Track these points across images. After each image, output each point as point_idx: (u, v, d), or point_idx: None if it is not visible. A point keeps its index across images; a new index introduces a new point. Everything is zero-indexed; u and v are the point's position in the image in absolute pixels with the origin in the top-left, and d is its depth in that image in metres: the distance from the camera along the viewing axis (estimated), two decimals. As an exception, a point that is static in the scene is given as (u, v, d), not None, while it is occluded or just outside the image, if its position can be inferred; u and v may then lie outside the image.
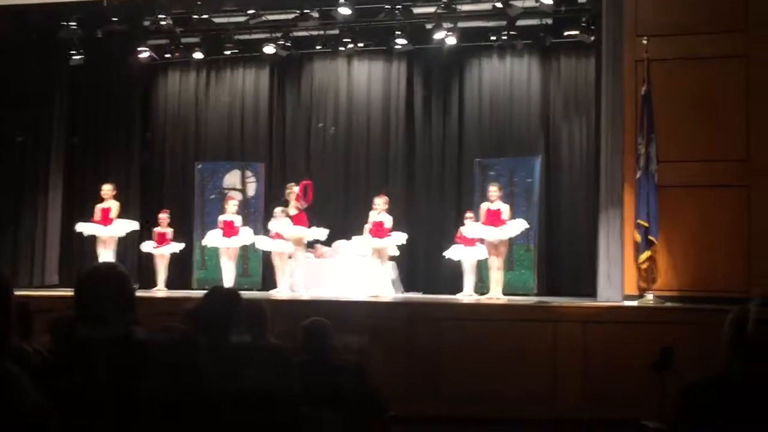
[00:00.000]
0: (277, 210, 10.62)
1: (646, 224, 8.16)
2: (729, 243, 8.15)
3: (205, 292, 3.82)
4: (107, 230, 10.70)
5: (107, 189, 10.86)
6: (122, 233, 10.94)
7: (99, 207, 10.78)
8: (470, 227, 9.92)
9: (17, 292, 2.32)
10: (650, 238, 8.15)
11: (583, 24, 10.90)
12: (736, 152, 8.28)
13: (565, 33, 11.33)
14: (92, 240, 10.85)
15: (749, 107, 8.28)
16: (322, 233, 10.64)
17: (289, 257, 11.01)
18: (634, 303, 8.13)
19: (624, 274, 8.43)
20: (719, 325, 3.48)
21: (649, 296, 8.11)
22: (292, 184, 10.75)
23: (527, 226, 9.86)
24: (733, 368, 2.58)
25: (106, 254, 10.54)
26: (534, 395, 7.59)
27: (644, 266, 8.22)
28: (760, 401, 2.29)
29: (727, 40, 8.38)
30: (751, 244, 8.11)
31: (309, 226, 10.44)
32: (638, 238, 8.22)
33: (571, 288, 10.84)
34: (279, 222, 10.36)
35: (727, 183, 8.26)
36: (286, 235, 10.29)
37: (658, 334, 7.07)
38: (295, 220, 10.28)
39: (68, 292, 2.72)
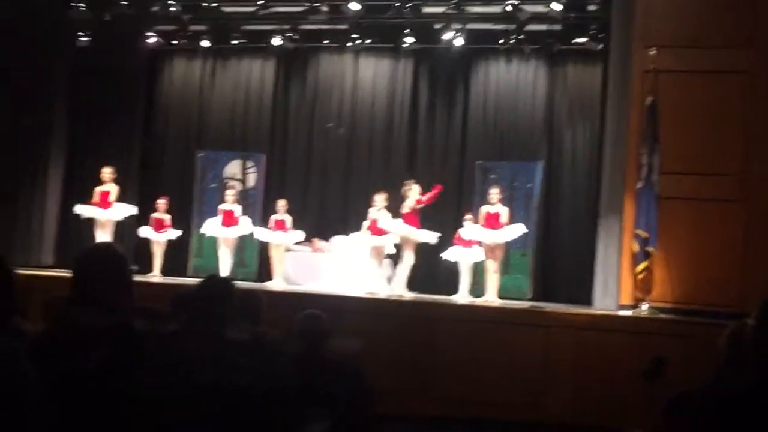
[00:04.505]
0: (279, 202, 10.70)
1: (645, 234, 8.16)
2: (725, 257, 8.16)
3: (200, 280, 3.78)
4: (106, 213, 10.71)
5: (107, 172, 10.86)
6: (120, 217, 10.95)
7: (98, 190, 10.79)
8: (469, 229, 9.93)
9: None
10: (648, 248, 8.15)
11: (592, 32, 10.92)
12: (735, 167, 8.29)
13: (573, 40, 11.33)
14: (90, 222, 10.86)
15: (749, 123, 8.29)
16: (431, 236, 9.80)
17: (287, 250, 11.01)
18: (629, 312, 8.14)
19: (620, 284, 8.43)
20: (712, 338, 3.50)
21: (644, 307, 8.12)
22: (412, 181, 9.90)
23: (525, 230, 9.86)
24: (724, 381, 2.59)
25: (103, 237, 10.55)
26: (524, 399, 7.60)
27: (641, 276, 8.22)
28: (750, 415, 2.29)
29: (733, 56, 8.40)
30: (747, 260, 8.12)
31: (419, 227, 9.62)
32: (636, 248, 8.22)
33: (565, 295, 10.82)
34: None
35: (726, 197, 8.28)
36: (395, 231, 9.59)
37: (651, 344, 7.09)
38: (407, 218, 9.55)
39: (64, 273, 2.70)
